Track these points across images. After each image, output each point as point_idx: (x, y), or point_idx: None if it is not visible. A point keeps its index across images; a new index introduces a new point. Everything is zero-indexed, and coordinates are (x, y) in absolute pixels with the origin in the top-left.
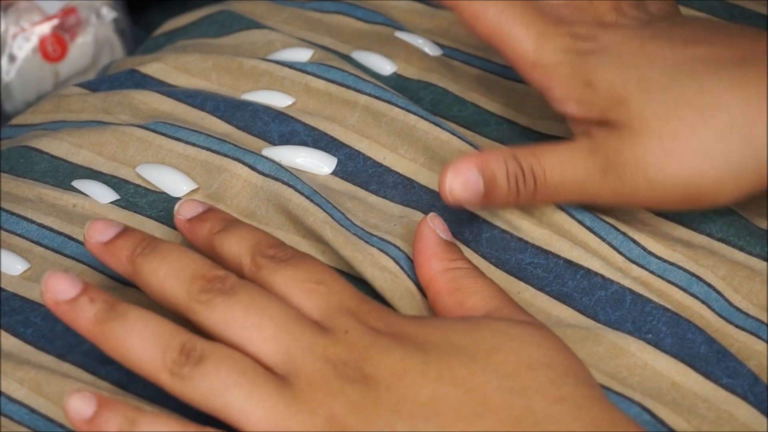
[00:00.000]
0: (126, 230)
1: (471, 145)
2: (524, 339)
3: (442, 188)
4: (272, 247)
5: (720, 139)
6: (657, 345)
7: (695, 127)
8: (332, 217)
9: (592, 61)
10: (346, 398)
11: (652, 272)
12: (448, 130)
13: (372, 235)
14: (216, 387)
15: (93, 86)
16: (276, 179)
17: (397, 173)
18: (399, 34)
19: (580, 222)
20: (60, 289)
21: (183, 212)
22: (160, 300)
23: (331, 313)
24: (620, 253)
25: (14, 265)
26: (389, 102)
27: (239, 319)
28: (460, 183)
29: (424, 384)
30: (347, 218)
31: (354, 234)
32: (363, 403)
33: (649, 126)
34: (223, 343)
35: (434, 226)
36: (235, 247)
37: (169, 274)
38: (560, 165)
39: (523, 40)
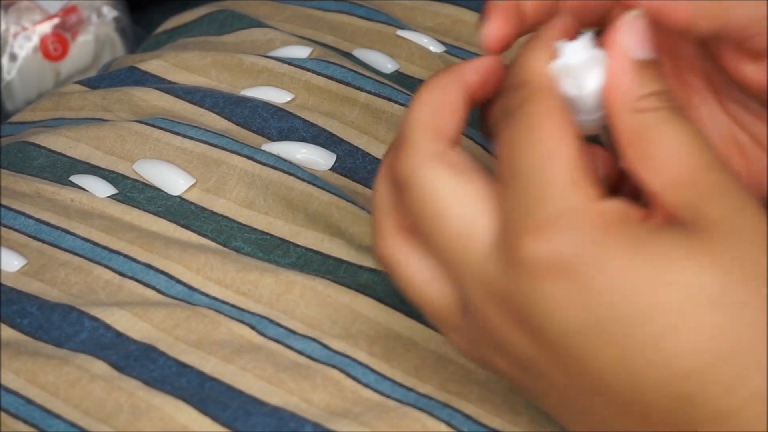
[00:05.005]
0: None
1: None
2: None
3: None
4: None
5: None
6: None
7: None
8: (338, 196)
9: None
10: None
11: None
12: None
13: None
14: None
15: (93, 83)
16: (275, 168)
17: None
18: (401, 32)
19: None
20: None
21: None
22: None
23: None
24: None
25: (11, 262)
26: (389, 99)
27: None
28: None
29: None
30: (353, 200)
31: (363, 209)
32: None
33: None
34: None
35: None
36: None
37: None
38: None
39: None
